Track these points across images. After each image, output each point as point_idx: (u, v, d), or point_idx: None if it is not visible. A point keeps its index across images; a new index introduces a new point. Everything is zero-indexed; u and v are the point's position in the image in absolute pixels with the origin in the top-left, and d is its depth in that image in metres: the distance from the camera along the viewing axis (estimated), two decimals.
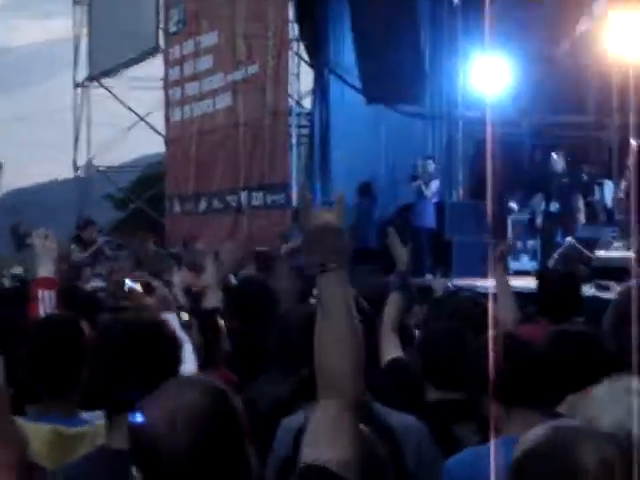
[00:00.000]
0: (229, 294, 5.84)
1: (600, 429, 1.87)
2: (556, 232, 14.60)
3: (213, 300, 5.74)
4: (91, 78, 24.42)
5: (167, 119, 22.38)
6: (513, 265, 14.83)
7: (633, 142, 13.75)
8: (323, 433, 2.28)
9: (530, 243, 15.27)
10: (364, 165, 17.17)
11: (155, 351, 2.77)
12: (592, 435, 1.72)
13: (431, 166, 15.48)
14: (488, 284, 6.56)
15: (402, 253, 4.89)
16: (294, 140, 17.61)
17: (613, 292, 8.97)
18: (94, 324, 3.43)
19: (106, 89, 24.42)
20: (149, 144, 29.46)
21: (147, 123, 24.35)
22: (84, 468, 2.76)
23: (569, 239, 13.75)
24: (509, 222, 14.64)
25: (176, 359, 2.82)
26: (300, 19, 18.46)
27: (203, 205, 20.37)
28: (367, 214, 16.10)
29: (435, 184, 15.25)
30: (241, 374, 4.66)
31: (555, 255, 13.56)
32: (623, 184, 13.67)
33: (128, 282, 4.49)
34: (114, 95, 24.28)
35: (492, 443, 2.81)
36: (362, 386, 2.33)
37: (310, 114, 19.05)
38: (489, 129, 10.57)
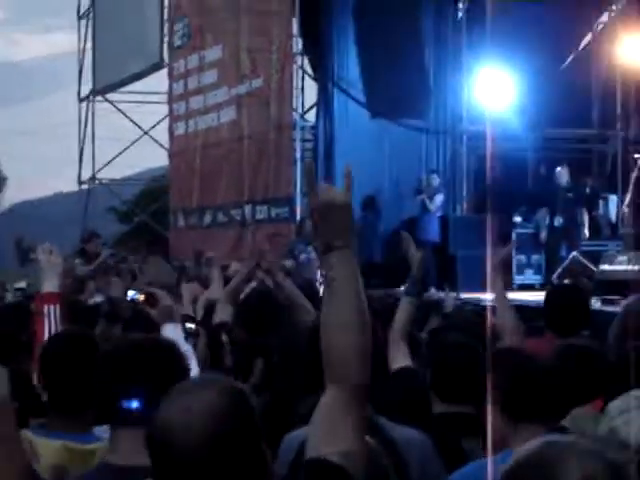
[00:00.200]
0: (237, 308, 5.84)
1: (621, 439, 1.85)
2: (560, 246, 14.60)
3: (222, 314, 5.74)
4: (95, 92, 24.48)
5: (171, 133, 22.40)
6: (518, 279, 14.85)
7: (637, 155, 13.77)
8: (325, 423, 2.25)
9: (534, 257, 15.26)
10: (368, 179, 17.13)
11: (161, 369, 2.75)
12: (579, 451, 1.71)
13: (435, 180, 15.50)
14: (488, 297, 6.55)
15: (417, 258, 4.80)
16: (298, 154, 17.58)
17: (619, 305, 8.95)
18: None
19: (110, 103, 24.51)
20: (153, 157, 29.54)
21: (151, 137, 24.42)
22: None
23: (573, 253, 13.74)
24: (513, 236, 14.61)
25: (183, 374, 2.80)
26: (304, 33, 18.48)
27: (207, 219, 20.36)
28: (371, 228, 16.08)
29: (439, 198, 15.27)
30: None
31: (559, 269, 13.55)
32: (627, 198, 13.66)
33: (131, 293, 4.50)
34: (118, 109, 24.35)
35: (489, 457, 2.80)
36: (368, 370, 2.28)
37: (314, 128, 19.03)
38: (489, 144, 10.61)
